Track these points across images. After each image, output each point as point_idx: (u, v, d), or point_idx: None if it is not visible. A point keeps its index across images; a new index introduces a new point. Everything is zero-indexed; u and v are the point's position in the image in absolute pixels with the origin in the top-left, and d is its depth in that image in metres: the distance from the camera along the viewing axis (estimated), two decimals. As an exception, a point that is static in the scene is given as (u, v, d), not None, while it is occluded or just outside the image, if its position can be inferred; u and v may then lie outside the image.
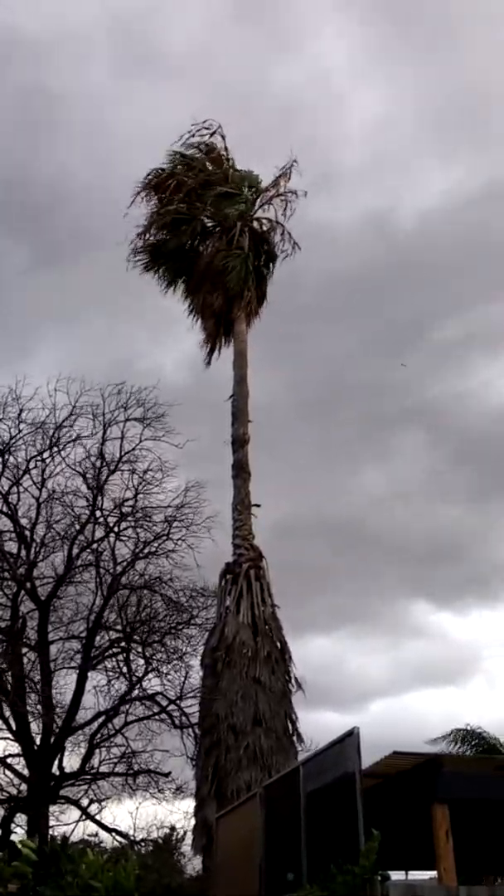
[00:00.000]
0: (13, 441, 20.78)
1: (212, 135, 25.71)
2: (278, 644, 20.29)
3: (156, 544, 21.14)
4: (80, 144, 37.86)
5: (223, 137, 25.93)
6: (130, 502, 21.32)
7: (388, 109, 39.06)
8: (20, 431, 20.82)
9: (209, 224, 26.10)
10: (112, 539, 21.17)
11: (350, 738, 8.71)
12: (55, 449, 21.05)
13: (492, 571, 43.21)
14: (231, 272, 24.18)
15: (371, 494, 37.93)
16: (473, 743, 22.32)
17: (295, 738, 19.15)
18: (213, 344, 25.68)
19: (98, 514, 21.13)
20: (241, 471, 22.23)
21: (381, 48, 40.39)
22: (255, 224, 25.94)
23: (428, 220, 37.06)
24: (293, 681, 20.10)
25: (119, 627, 20.78)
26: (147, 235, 25.70)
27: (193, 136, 25.52)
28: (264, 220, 26.14)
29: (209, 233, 26.03)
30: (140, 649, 20.62)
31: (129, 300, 33.15)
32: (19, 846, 5.62)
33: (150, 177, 25.45)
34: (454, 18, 38.78)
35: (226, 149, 26.05)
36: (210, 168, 25.87)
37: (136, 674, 20.43)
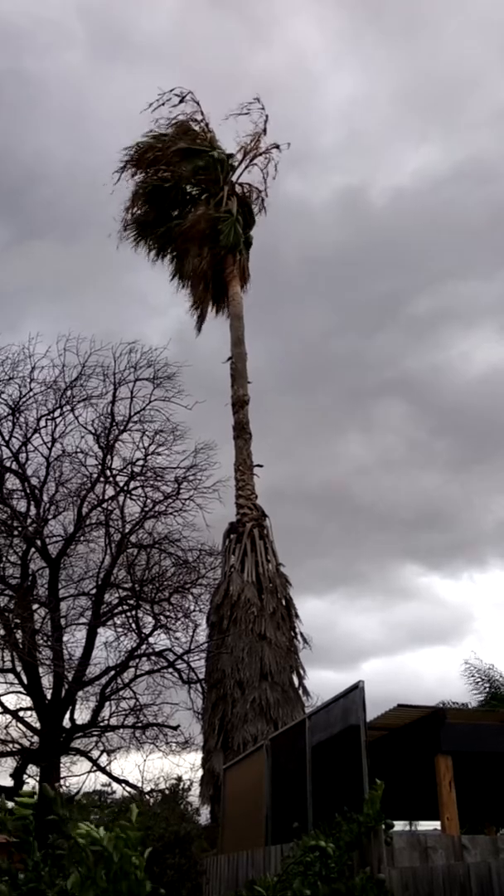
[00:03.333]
0: (23, 399, 20.83)
1: (182, 100, 25.35)
2: (283, 601, 20.51)
3: (165, 504, 21.31)
4: (57, 125, 37.73)
5: (198, 103, 25.60)
6: (140, 462, 21.45)
7: (362, 92, 39.15)
8: (31, 390, 20.86)
9: (194, 192, 25.91)
10: (122, 498, 21.34)
11: (355, 692, 8.86)
12: (66, 408, 21.12)
13: (477, 536, 44.47)
14: (221, 234, 24.03)
15: (355, 463, 38.77)
16: (483, 684, 22.38)
17: (301, 691, 19.45)
18: (203, 309, 25.48)
19: (108, 473, 21.27)
20: (242, 431, 22.26)
21: (356, 32, 40.27)
22: (239, 189, 25.73)
23: (401, 198, 37.53)
24: (299, 636, 20.37)
25: (127, 585, 21.02)
26: (133, 209, 25.51)
27: (163, 104, 25.22)
28: (246, 185, 26.00)
29: (194, 200, 25.83)
30: (148, 607, 20.88)
31: (111, 276, 33.58)
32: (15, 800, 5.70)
33: (131, 151, 25.25)
34: (427, 3, 38.57)
35: (201, 113, 25.73)
36: (189, 136, 25.57)
37: (145, 630, 20.73)
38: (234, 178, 25.87)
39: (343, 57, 39.73)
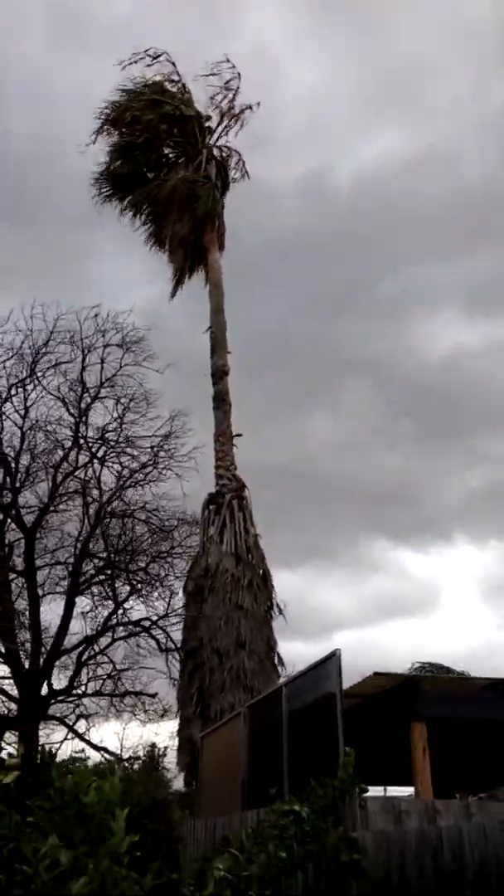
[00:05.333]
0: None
1: (156, 59, 24.68)
2: (260, 571, 20.57)
3: (141, 473, 21.27)
4: (17, 108, 36.91)
5: (173, 63, 24.93)
6: (114, 430, 21.36)
7: (323, 79, 39.00)
8: (-2, 357, 20.62)
9: (171, 155, 25.44)
10: (98, 468, 21.26)
11: (332, 660, 8.94)
12: (36, 375, 20.91)
13: (443, 512, 45.48)
14: (199, 199, 23.64)
15: (323, 440, 39.34)
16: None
17: (277, 661, 19.59)
18: (181, 276, 25.05)
19: (82, 441, 21.16)
20: (221, 402, 22.07)
21: (316, 18, 39.88)
22: (217, 152, 25.31)
23: (362, 184, 37.88)
24: (275, 607, 20.47)
25: (104, 555, 21.01)
26: (110, 170, 24.94)
27: (136, 62, 24.45)
28: (225, 148, 25.59)
29: (172, 163, 25.36)
30: (125, 576, 20.91)
31: (75, 255, 33.35)
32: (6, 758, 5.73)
33: (107, 110, 24.55)
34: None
35: (177, 73, 25.12)
36: (167, 96, 24.97)
37: (122, 599, 20.79)
38: (211, 142, 25.38)
39: (303, 42, 39.55)
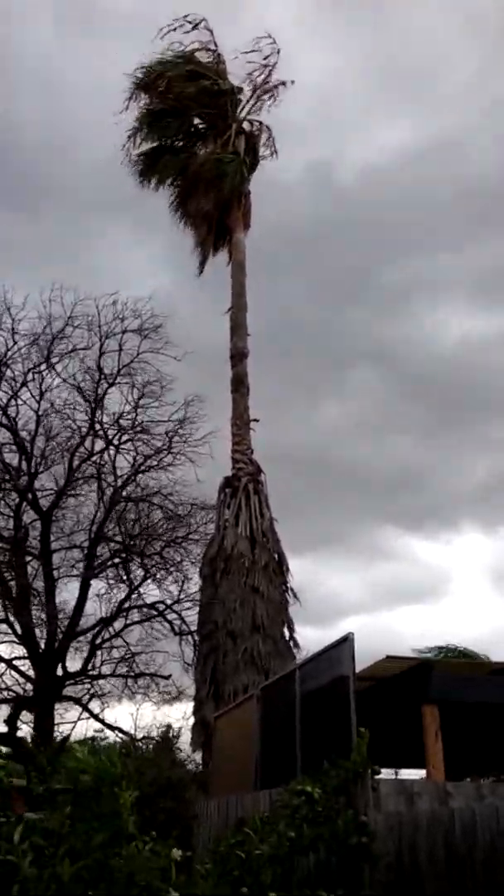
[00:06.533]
0: (9, 353, 20.69)
1: (195, 27, 24.35)
2: (276, 556, 20.60)
3: (156, 458, 21.33)
4: (28, 94, 36.64)
5: (210, 31, 24.57)
6: (130, 416, 21.42)
7: (332, 67, 38.48)
8: (15, 343, 20.70)
9: (201, 126, 25.13)
10: (113, 452, 21.34)
11: (345, 643, 8.98)
12: (52, 361, 20.98)
13: (452, 500, 45.58)
14: (226, 176, 23.33)
15: (331, 427, 39.38)
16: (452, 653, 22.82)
17: (292, 644, 19.67)
18: (206, 253, 24.81)
19: (98, 427, 21.24)
20: (239, 385, 21.97)
21: (327, 5, 39.15)
22: (247, 125, 24.95)
23: (371, 173, 37.69)
24: (290, 591, 20.53)
25: (119, 539, 21.13)
26: (138, 138, 24.61)
27: (174, 30, 24.14)
28: (256, 122, 25.23)
29: (202, 135, 25.04)
30: (140, 560, 21.03)
31: (87, 241, 33.29)
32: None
33: (139, 74, 24.19)
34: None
35: (214, 43, 24.77)
36: (201, 66, 24.63)
37: (136, 583, 20.92)
38: (241, 115, 25.00)
39: (313, 29, 39.05)
